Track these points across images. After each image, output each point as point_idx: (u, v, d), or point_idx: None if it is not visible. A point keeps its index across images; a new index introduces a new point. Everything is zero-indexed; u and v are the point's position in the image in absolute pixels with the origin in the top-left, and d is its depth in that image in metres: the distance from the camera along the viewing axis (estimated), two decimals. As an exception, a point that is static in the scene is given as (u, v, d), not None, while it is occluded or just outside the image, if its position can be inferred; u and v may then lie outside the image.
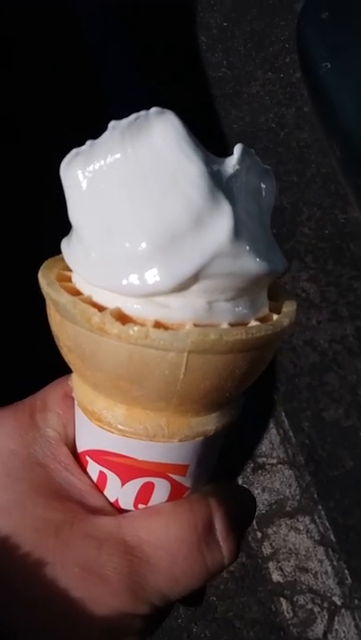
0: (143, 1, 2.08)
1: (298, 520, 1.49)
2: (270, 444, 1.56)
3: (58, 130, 1.79)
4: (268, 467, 1.53)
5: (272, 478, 1.52)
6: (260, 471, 1.53)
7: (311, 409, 1.59)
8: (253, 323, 0.30)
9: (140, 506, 0.34)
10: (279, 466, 1.54)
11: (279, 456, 1.55)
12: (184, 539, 0.32)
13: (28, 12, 1.99)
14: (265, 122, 1.96)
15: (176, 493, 0.34)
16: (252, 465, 1.53)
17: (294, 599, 1.43)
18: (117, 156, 0.27)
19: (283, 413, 1.59)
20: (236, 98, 2.00)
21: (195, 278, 0.28)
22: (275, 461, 1.54)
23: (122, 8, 2.09)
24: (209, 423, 0.32)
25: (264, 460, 1.54)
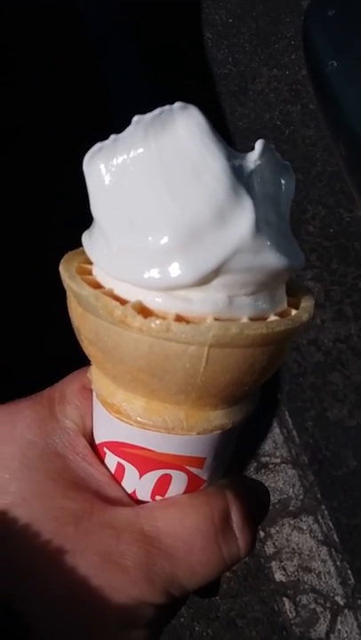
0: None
1: (301, 520, 1.49)
2: (274, 444, 1.56)
3: (63, 128, 1.79)
4: (271, 466, 1.54)
5: (275, 478, 1.53)
6: (263, 470, 1.53)
7: (315, 408, 1.59)
8: (273, 317, 0.30)
9: (158, 497, 0.35)
10: (283, 465, 1.54)
11: (283, 455, 1.55)
12: (201, 530, 0.33)
13: (31, 11, 1.99)
14: (270, 119, 1.97)
15: (193, 486, 0.35)
16: (255, 464, 1.54)
17: (297, 599, 1.43)
18: (141, 150, 0.28)
19: (286, 413, 1.59)
20: (241, 95, 2.01)
21: (216, 272, 0.28)
22: (278, 461, 1.54)
23: (126, 5, 2.09)
24: (227, 417, 0.32)
25: (267, 459, 1.54)
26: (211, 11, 2.14)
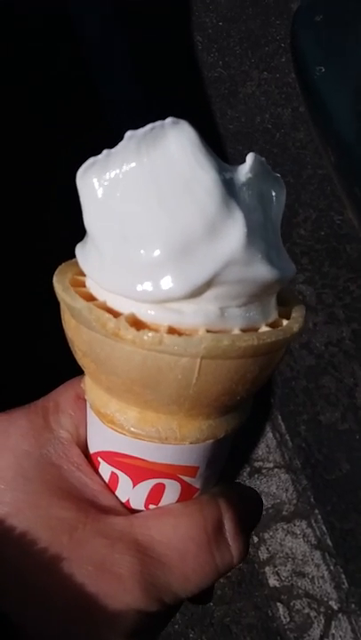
0: (139, 1, 2.09)
1: (294, 524, 1.49)
2: (267, 448, 1.56)
3: (55, 130, 1.79)
4: (264, 471, 1.54)
5: (268, 482, 1.53)
6: (256, 475, 1.53)
7: (308, 412, 1.60)
8: (264, 328, 0.31)
9: (151, 506, 0.35)
10: (276, 470, 1.54)
11: (276, 460, 1.55)
12: (194, 538, 0.33)
13: (24, 13, 1.99)
14: (261, 122, 1.97)
15: (186, 494, 0.35)
16: (248, 469, 1.54)
17: (291, 604, 1.43)
18: (133, 164, 0.28)
19: (279, 417, 1.59)
20: (231, 98, 2.01)
21: (208, 285, 0.28)
22: (271, 465, 1.55)
23: (117, 8, 2.09)
24: (219, 426, 0.33)
25: (260, 464, 1.55)
26: (201, 14, 2.15)
